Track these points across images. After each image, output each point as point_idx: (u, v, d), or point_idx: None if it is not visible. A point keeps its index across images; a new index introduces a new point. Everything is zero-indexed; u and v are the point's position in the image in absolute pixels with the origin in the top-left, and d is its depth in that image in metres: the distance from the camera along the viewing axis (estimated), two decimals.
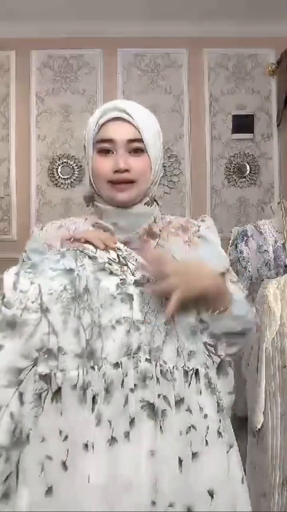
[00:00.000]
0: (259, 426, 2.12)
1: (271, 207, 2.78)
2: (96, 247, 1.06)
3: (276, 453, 2.11)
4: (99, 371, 0.96)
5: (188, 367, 1.02)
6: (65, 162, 3.42)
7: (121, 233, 1.20)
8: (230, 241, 2.61)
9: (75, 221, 1.34)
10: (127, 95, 3.44)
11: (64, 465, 0.93)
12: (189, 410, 1.00)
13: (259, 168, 3.43)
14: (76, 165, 3.42)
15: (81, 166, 3.42)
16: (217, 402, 1.04)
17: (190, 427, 0.99)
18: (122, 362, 0.97)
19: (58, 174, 3.42)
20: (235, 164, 3.43)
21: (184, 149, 3.44)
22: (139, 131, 1.18)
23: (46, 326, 0.97)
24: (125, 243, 1.17)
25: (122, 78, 3.45)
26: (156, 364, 0.99)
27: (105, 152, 1.19)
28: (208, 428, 1.01)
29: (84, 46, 3.42)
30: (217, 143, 3.45)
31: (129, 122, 1.18)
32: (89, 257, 1.03)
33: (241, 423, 2.33)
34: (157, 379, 0.99)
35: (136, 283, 1.02)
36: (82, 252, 1.05)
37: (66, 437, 0.94)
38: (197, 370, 1.03)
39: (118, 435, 0.94)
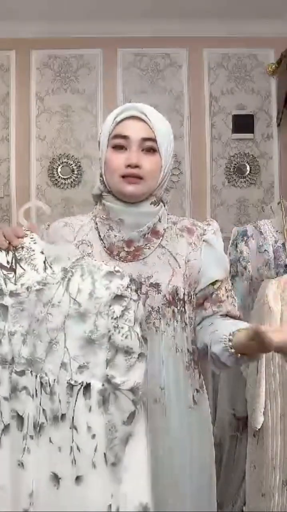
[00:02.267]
0: (259, 426, 2.12)
1: (271, 207, 2.79)
2: None
3: (276, 453, 2.11)
4: None
5: (75, 381, 0.94)
6: (65, 162, 3.41)
7: (126, 229, 1.25)
8: (230, 241, 2.61)
9: (81, 219, 1.38)
10: (127, 95, 3.44)
11: None
12: (73, 427, 0.92)
13: (259, 168, 3.43)
14: (76, 165, 3.41)
15: (80, 166, 3.42)
16: (106, 423, 0.93)
17: (72, 446, 0.92)
18: None
19: (58, 174, 3.41)
20: (235, 164, 3.43)
21: (184, 149, 3.43)
22: (153, 132, 1.24)
23: None
24: (128, 241, 1.23)
25: (122, 78, 3.45)
26: (36, 376, 0.96)
27: (119, 147, 1.25)
28: (95, 449, 0.92)
29: (84, 46, 3.41)
30: (217, 143, 3.45)
31: (144, 121, 1.24)
32: None
33: (241, 423, 2.33)
34: (36, 391, 0.95)
35: (12, 294, 0.96)
36: None
37: None
38: (88, 384, 0.94)
39: None
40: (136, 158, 1.22)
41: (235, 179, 3.43)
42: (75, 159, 3.42)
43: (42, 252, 1.01)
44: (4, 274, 0.98)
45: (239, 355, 1.15)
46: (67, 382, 0.95)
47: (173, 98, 3.45)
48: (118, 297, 0.96)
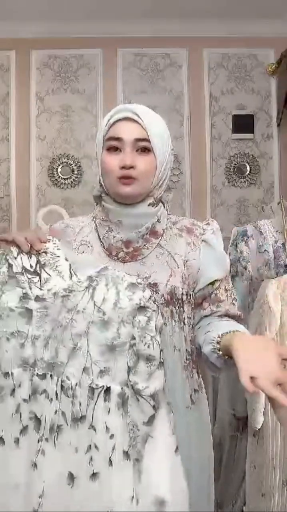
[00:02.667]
0: (259, 426, 2.12)
1: (271, 207, 2.78)
2: (20, 249, 1.04)
3: (276, 453, 2.11)
4: (2, 381, 1.01)
5: (96, 385, 0.99)
6: (65, 162, 3.41)
7: (125, 231, 1.25)
8: (230, 241, 2.61)
9: (82, 220, 1.38)
10: (127, 95, 3.44)
11: None
12: (92, 428, 0.98)
13: (259, 168, 3.43)
14: (76, 165, 3.41)
15: (80, 166, 3.42)
16: (129, 423, 0.98)
17: (91, 445, 0.98)
18: (13, 373, 1.00)
19: (58, 174, 3.41)
20: (235, 164, 3.43)
21: (184, 149, 3.43)
22: (146, 131, 1.22)
23: None
24: (127, 242, 1.24)
25: (122, 78, 3.45)
26: (57, 380, 0.99)
27: (113, 149, 1.24)
28: (113, 448, 0.98)
29: (84, 46, 3.41)
30: (217, 143, 3.45)
31: (137, 122, 1.23)
32: (8, 264, 1.03)
33: (241, 423, 2.33)
34: (56, 394, 0.99)
35: (38, 299, 1.01)
36: (5, 256, 1.04)
37: None
38: (108, 388, 0.99)
39: (7, 439, 0.99)
40: (130, 159, 1.21)
41: (235, 179, 3.43)
42: (75, 159, 3.42)
43: (66, 259, 1.04)
44: (28, 278, 1.00)
45: (226, 357, 1.15)
46: (89, 386, 0.99)
47: (173, 98, 3.45)
48: (142, 308, 1.00)
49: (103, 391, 0.99)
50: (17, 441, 1.00)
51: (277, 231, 2.54)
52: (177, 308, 1.25)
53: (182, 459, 1.04)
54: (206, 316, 1.31)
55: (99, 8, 3.19)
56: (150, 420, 0.98)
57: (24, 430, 1.00)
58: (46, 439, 0.99)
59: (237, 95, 3.45)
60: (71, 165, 3.41)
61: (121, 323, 0.99)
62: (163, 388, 1.01)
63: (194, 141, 3.43)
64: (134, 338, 0.99)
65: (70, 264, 1.03)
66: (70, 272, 1.02)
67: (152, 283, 1.23)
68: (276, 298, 2.21)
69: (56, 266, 1.02)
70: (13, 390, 1.01)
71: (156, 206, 1.29)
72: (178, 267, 1.27)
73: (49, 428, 0.99)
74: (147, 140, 1.23)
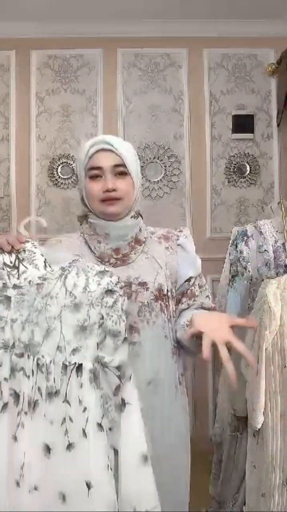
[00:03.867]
0: (259, 426, 2.12)
1: (271, 207, 2.79)
2: (2, 250, 1.18)
3: (276, 453, 2.11)
4: None
5: (69, 362, 1.11)
6: (65, 162, 3.42)
7: (112, 241, 1.45)
8: (230, 241, 2.61)
9: (70, 235, 1.55)
10: (127, 95, 3.44)
11: None
12: (66, 401, 1.09)
13: (259, 168, 3.43)
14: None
15: None
16: (102, 395, 1.11)
17: (65, 418, 1.09)
18: None
19: (58, 174, 3.42)
20: (235, 164, 3.43)
21: (184, 149, 3.44)
22: (122, 158, 1.43)
23: None
24: (116, 250, 1.44)
25: (122, 78, 3.45)
26: (34, 358, 1.11)
27: (95, 177, 1.44)
28: (86, 420, 1.08)
29: (84, 46, 3.42)
30: (217, 143, 3.45)
31: (112, 151, 1.43)
32: None
33: (241, 423, 2.33)
34: (33, 371, 1.11)
35: (15, 287, 1.15)
36: None
37: None
38: (80, 365, 1.10)
39: None
40: (112, 183, 1.41)
41: (235, 179, 3.43)
42: (75, 159, 3.42)
43: (42, 255, 1.19)
44: (8, 271, 1.15)
45: (195, 338, 1.30)
46: (62, 363, 1.11)
47: (173, 98, 3.46)
48: (109, 292, 1.14)
49: (75, 367, 1.10)
50: None
51: (277, 231, 2.54)
52: (164, 302, 1.45)
53: (163, 423, 1.30)
54: (183, 309, 1.50)
55: (99, 8, 3.20)
56: (117, 390, 1.10)
57: (5, 406, 1.10)
58: (25, 413, 1.09)
59: (237, 95, 3.46)
60: (71, 165, 3.41)
61: (91, 305, 1.13)
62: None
63: (194, 141, 3.44)
64: (102, 317, 1.12)
65: (45, 259, 1.18)
66: (45, 264, 1.17)
67: (142, 282, 1.43)
68: (276, 298, 2.21)
69: (33, 260, 1.17)
70: None
71: (137, 218, 1.50)
72: (161, 268, 1.47)
73: (27, 402, 1.09)
74: (124, 165, 1.43)
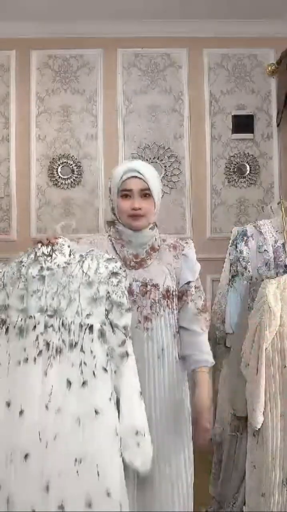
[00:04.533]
0: (259, 426, 2.12)
1: (271, 207, 2.79)
2: (42, 243, 1.65)
3: (276, 453, 2.11)
4: (25, 320, 1.59)
5: (84, 323, 1.56)
6: (65, 162, 3.42)
7: (134, 247, 1.86)
8: (230, 241, 2.61)
9: (101, 237, 1.96)
10: (127, 95, 3.44)
11: (8, 369, 1.58)
12: (82, 351, 1.55)
13: (259, 168, 3.44)
14: (76, 165, 3.42)
15: (80, 166, 3.42)
16: (108, 348, 1.56)
17: (81, 362, 1.54)
18: (35, 316, 1.58)
19: (58, 174, 3.42)
20: (235, 164, 3.43)
21: (184, 149, 3.44)
22: (147, 184, 1.82)
23: (4, 294, 1.65)
24: (135, 255, 1.86)
25: (122, 78, 3.45)
26: (60, 319, 1.57)
27: (125, 196, 1.84)
28: (95, 365, 1.54)
29: (84, 46, 3.42)
30: (217, 143, 3.45)
31: (140, 178, 1.83)
32: (35, 252, 1.65)
33: (241, 423, 2.33)
34: (59, 328, 1.57)
35: (48, 269, 1.61)
36: (34, 249, 1.65)
37: (9, 354, 1.59)
38: (91, 326, 1.56)
39: (30, 357, 1.55)
40: (138, 203, 1.82)
41: (235, 179, 3.43)
42: (75, 159, 3.42)
43: (69, 246, 1.65)
44: (44, 258, 1.63)
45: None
46: (79, 324, 1.56)
47: (173, 98, 3.46)
48: (114, 274, 1.60)
49: (88, 327, 1.56)
50: (35, 359, 1.54)
51: (277, 231, 2.54)
52: (169, 299, 1.87)
53: (169, 385, 1.82)
54: (183, 304, 1.92)
55: (99, 8, 3.20)
56: (123, 343, 1.58)
57: (40, 352, 1.54)
58: (53, 357, 1.54)
59: (237, 95, 3.46)
60: (71, 165, 3.42)
61: (100, 283, 1.59)
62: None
63: (194, 141, 3.44)
64: (108, 292, 1.58)
65: (71, 249, 1.65)
66: (70, 253, 1.64)
67: (154, 284, 1.85)
68: (276, 298, 2.21)
69: (61, 251, 1.64)
70: (34, 326, 1.57)
71: (153, 229, 1.90)
72: (169, 273, 1.88)
73: (55, 350, 1.55)
74: (148, 189, 1.82)
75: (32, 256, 1.65)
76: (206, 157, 3.44)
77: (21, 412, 1.51)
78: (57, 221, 3.34)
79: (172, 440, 1.82)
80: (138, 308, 1.81)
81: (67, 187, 3.42)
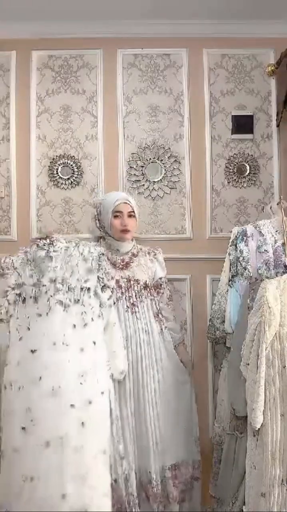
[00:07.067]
0: (259, 426, 2.13)
1: (271, 207, 2.79)
2: (41, 238, 2.44)
3: (276, 452, 2.11)
4: (40, 288, 2.29)
5: (83, 286, 2.31)
6: (65, 162, 3.42)
7: (121, 254, 2.67)
8: (230, 241, 2.62)
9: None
10: (127, 95, 3.44)
11: (28, 328, 2.25)
12: (82, 304, 2.29)
13: (259, 168, 3.44)
14: (76, 165, 3.42)
15: (80, 166, 3.42)
16: (100, 301, 2.33)
17: (82, 312, 2.28)
18: (46, 284, 2.29)
19: (58, 174, 3.42)
20: (235, 164, 3.43)
21: (184, 149, 3.44)
22: (132, 208, 2.68)
23: (16, 275, 2.35)
24: (122, 259, 2.66)
25: (122, 78, 3.46)
26: (67, 285, 2.29)
27: (116, 216, 2.65)
28: (93, 312, 2.30)
29: (84, 46, 3.42)
30: (217, 143, 3.45)
31: (128, 203, 2.68)
32: (38, 244, 2.41)
33: (241, 423, 2.33)
34: (66, 291, 2.28)
35: (54, 251, 2.33)
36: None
37: (28, 315, 2.27)
38: (88, 288, 2.32)
39: (44, 313, 2.25)
40: (126, 222, 2.64)
41: (235, 179, 3.44)
42: (75, 159, 3.42)
43: (64, 239, 2.40)
44: (48, 246, 2.34)
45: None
46: (80, 286, 2.31)
47: (173, 99, 3.46)
48: (102, 254, 2.39)
49: (86, 289, 2.31)
50: (47, 314, 2.24)
51: (277, 231, 2.55)
52: (148, 290, 2.67)
53: (158, 354, 2.60)
54: (159, 293, 2.73)
55: (99, 8, 3.20)
56: (110, 297, 2.36)
57: (51, 309, 2.25)
58: (65, 311, 2.25)
59: (237, 96, 3.46)
60: (71, 165, 3.42)
61: (93, 260, 2.37)
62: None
63: (194, 141, 3.44)
64: (99, 265, 2.37)
65: (65, 240, 2.39)
66: (66, 241, 2.38)
67: (136, 279, 2.63)
68: (276, 298, 2.21)
69: (59, 240, 2.37)
70: (46, 292, 2.27)
71: (133, 240, 2.73)
72: (147, 272, 2.69)
73: (64, 305, 2.26)
74: (133, 211, 2.68)
75: (35, 247, 2.36)
76: (206, 157, 3.44)
77: (39, 350, 2.17)
78: (57, 221, 3.37)
79: (171, 378, 2.59)
80: (125, 297, 2.57)
81: (67, 187, 3.42)
